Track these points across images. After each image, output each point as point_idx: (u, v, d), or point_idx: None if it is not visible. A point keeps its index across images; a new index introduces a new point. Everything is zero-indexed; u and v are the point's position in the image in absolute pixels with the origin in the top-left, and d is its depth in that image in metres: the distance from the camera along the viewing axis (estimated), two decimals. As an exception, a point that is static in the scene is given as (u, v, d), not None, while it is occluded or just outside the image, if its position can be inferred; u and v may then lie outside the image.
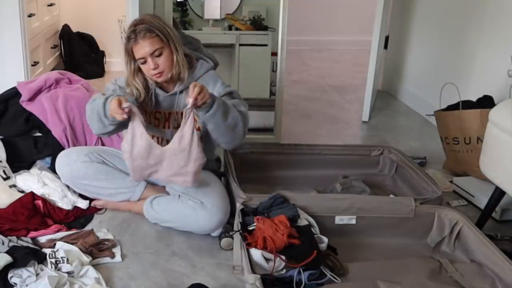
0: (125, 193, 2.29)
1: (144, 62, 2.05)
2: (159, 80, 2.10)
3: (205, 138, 2.19)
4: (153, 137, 2.18)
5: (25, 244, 1.99)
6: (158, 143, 2.21)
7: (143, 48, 2.02)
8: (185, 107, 1.99)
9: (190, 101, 1.90)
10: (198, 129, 2.14)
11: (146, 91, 2.14)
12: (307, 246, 1.84)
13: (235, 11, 3.58)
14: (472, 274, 1.92)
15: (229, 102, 2.08)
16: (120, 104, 1.96)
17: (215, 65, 2.27)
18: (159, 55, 2.04)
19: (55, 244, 1.99)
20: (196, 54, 2.24)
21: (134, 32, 2.02)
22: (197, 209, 2.11)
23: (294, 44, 4.70)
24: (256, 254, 1.82)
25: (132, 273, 1.94)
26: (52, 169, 2.43)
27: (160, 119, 2.21)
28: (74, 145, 2.59)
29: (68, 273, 1.84)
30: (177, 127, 2.12)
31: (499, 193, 2.19)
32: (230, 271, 1.88)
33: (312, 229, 1.98)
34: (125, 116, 1.96)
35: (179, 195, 2.19)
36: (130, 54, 2.07)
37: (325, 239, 1.96)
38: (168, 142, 2.16)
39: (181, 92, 2.16)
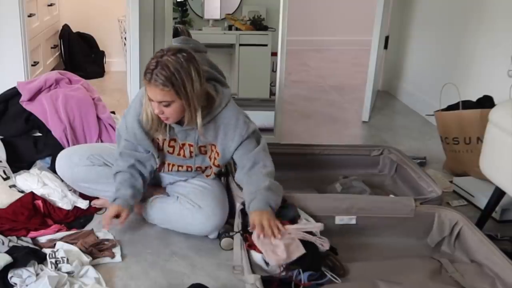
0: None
1: (151, 100, 1.96)
2: (165, 122, 2.03)
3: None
4: (166, 164, 2.20)
5: (25, 244, 1.99)
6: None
7: (153, 93, 1.91)
8: (201, 140, 2.06)
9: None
10: (218, 166, 2.17)
11: (158, 120, 2.04)
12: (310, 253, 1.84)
13: (235, 11, 3.58)
14: (472, 274, 1.92)
15: (258, 154, 2.07)
16: (115, 216, 2.07)
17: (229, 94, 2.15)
18: (167, 106, 1.93)
19: (55, 244, 1.99)
20: (211, 74, 2.10)
21: (151, 73, 1.88)
22: (194, 212, 2.11)
23: (294, 44, 4.69)
24: (257, 256, 1.82)
25: (132, 273, 1.94)
26: (52, 169, 2.43)
27: (174, 147, 2.16)
28: (74, 145, 2.58)
29: (68, 273, 1.84)
30: (189, 156, 2.14)
31: (499, 193, 2.19)
32: (230, 271, 1.88)
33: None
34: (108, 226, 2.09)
35: (178, 197, 2.19)
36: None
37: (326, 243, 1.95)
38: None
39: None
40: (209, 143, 2.12)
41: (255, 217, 1.89)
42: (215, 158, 2.15)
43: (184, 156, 2.16)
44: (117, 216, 2.09)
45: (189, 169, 2.21)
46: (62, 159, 2.32)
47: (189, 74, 1.89)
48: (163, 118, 2.00)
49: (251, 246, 1.85)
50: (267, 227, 1.84)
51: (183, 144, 2.14)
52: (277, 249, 1.79)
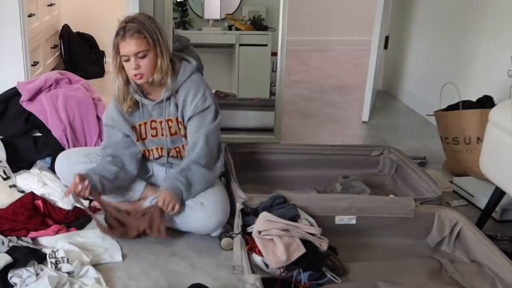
0: (125, 192, 2.28)
1: (127, 60, 2.06)
2: (138, 81, 2.10)
3: None
4: (152, 150, 2.24)
5: (25, 244, 1.99)
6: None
7: (128, 46, 2.03)
8: (173, 114, 2.11)
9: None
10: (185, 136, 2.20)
11: (126, 91, 2.14)
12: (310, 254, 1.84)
13: (235, 11, 3.58)
14: (472, 274, 1.92)
15: (198, 137, 2.14)
16: (80, 181, 2.05)
17: (199, 67, 2.25)
18: (143, 57, 2.04)
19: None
20: (179, 55, 2.24)
21: (124, 29, 2.03)
22: (196, 209, 2.11)
23: (294, 44, 4.69)
24: (257, 258, 1.82)
25: (132, 273, 1.94)
26: (52, 169, 2.43)
27: (157, 128, 2.21)
28: (74, 145, 2.59)
29: (68, 273, 1.84)
30: (172, 134, 2.19)
31: (499, 193, 2.19)
32: (230, 271, 1.88)
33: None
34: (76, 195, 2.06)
35: (179, 195, 2.20)
36: (116, 50, 2.07)
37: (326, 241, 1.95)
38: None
39: (167, 99, 2.15)
40: (173, 117, 2.18)
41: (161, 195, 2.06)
42: (179, 128, 2.20)
43: (166, 135, 2.21)
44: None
45: (169, 152, 2.24)
46: (60, 160, 2.34)
47: (155, 24, 2.07)
48: (138, 76, 2.06)
49: (251, 249, 1.85)
50: (166, 203, 2.03)
51: (161, 122, 2.19)
52: (277, 251, 1.79)
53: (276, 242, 1.82)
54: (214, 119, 2.17)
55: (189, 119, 2.16)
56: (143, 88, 2.17)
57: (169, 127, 2.19)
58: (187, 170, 2.12)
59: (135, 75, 2.07)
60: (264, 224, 1.89)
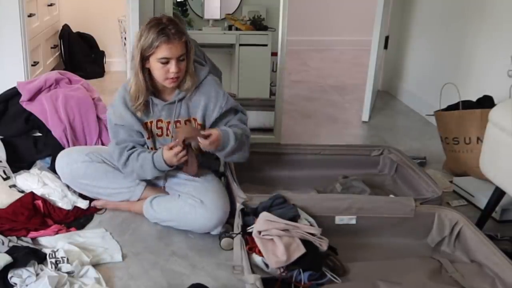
0: (125, 193, 2.29)
1: (165, 63, 2.03)
2: (171, 85, 2.09)
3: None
4: (155, 149, 2.22)
5: (25, 244, 1.99)
6: None
7: (174, 49, 2.00)
8: (183, 115, 2.13)
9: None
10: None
11: (145, 90, 2.11)
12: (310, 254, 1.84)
13: (235, 11, 3.58)
14: (472, 274, 1.92)
15: (233, 121, 2.17)
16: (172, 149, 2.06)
17: (210, 70, 2.25)
18: (183, 60, 2.05)
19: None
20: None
21: (165, 30, 1.99)
22: (196, 207, 2.11)
23: (294, 44, 4.70)
24: (257, 258, 1.82)
25: (132, 273, 1.94)
26: (52, 169, 2.43)
27: (162, 128, 2.20)
28: (74, 145, 2.59)
29: (68, 273, 1.84)
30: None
31: (499, 193, 2.19)
32: (230, 271, 1.88)
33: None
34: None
35: (179, 195, 2.20)
36: (146, 50, 2.02)
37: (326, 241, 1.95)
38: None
39: (179, 100, 2.15)
40: (191, 118, 2.18)
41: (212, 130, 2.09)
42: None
43: (167, 135, 2.20)
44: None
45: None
46: (61, 158, 2.33)
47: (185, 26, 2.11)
48: (174, 79, 2.06)
49: (251, 249, 1.85)
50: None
51: (168, 123, 2.18)
52: (277, 251, 1.79)
53: (276, 242, 1.82)
54: (241, 111, 2.24)
55: (216, 120, 2.18)
56: (157, 88, 2.16)
57: (177, 128, 2.18)
58: (242, 134, 2.15)
59: (172, 78, 2.05)
60: (264, 224, 1.89)
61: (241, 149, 2.16)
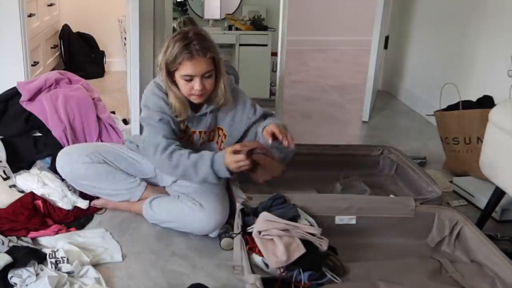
0: (125, 194, 2.28)
1: (190, 80, 1.97)
2: (196, 101, 2.04)
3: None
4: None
5: (25, 244, 1.99)
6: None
7: (198, 66, 1.94)
8: (210, 126, 2.13)
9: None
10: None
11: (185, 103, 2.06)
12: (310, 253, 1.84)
13: (235, 11, 3.59)
14: (472, 274, 1.92)
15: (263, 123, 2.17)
16: (237, 152, 1.91)
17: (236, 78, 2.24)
18: (209, 77, 1.97)
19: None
20: None
21: (189, 46, 1.91)
22: (195, 210, 2.11)
23: (294, 44, 4.70)
24: (257, 258, 1.82)
25: (132, 273, 1.94)
26: (52, 169, 2.43)
27: (186, 132, 2.16)
28: (74, 145, 2.59)
29: (68, 273, 1.84)
30: (201, 144, 2.17)
31: (499, 193, 2.19)
32: (230, 271, 1.88)
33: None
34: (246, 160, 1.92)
35: (179, 196, 2.20)
36: (170, 65, 1.97)
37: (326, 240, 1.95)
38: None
39: (210, 112, 2.12)
40: (216, 127, 2.17)
41: (271, 126, 2.05)
42: (222, 141, 2.18)
43: (192, 143, 2.16)
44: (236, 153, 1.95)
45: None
46: (62, 156, 2.32)
47: (213, 41, 1.99)
48: (199, 96, 2.00)
49: (251, 249, 1.85)
50: (281, 131, 2.02)
51: (193, 132, 2.16)
52: (277, 251, 1.79)
53: (276, 242, 1.82)
54: (270, 115, 2.24)
55: (246, 131, 2.18)
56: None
57: (201, 137, 2.17)
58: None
59: (197, 95, 2.00)
60: (264, 224, 1.89)
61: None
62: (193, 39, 1.94)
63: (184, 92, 2.03)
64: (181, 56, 1.93)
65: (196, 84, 1.97)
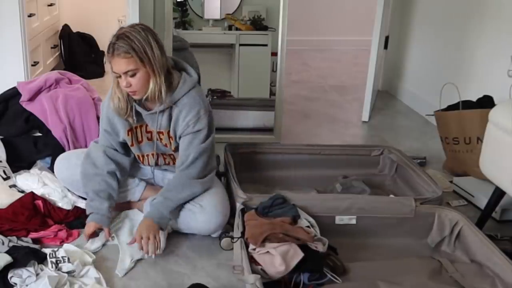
0: (125, 194, 2.28)
1: (119, 77, 2.01)
2: (134, 97, 2.06)
3: None
4: (148, 156, 2.22)
5: (25, 244, 1.99)
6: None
7: (117, 65, 1.97)
8: (165, 127, 2.09)
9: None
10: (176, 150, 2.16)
11: (128, 102, 2.09)
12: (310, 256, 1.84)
13: (235, 11, 3.58)
14: (472, 274, 1.92)
15: (190, 149, 2.10)
16: (92, 233, 2.07)
17: (199, 80, 2.19)
18: (133, 76, 1.98)
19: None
20: (180, 64, 2.16)
21: (113, 46, 1.96)
22: (196, 212, 2.11)
23: (294, 44, 4.70)
24: (257, 268, 1.82)
25: (132, 273, 1.94)
26: (52, 169, 2.43)
27: (152, 132, 2.16)
28: (74, 145, 2.59)
29: (69, 272, 1.84)
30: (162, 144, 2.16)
31: (499, 193, 2.19)
32: (230, 271, 1.88)
33: (313, 229, 1.98)
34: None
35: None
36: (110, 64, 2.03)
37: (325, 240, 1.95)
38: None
39: (161, 111, 2.09)
40: (164, 130, 2.14)
41: (139, 227, 2.04)
42: (170, 143, 2.16)
43: (149, 140, 2.18)
44: (94, 233, 2.09)
45: (158, 157, 2.23)
46: (60, 161, 2.33)
47: (147, 41, 1.97)
48: (132, 93, 2.02)
49: (250, 258, 1.84)
50: (145, 241, 1.99)
51: (149, 132, 2.16)
52: (274, 261, 1.79)
53: (272, 253, 1.80)
54: (205, 139, 2.10)
55: (180, 137, 2.12)
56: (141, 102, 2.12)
57: (160, 139, 2.16)
58: (171, 189, 2.11)
59: (129, 91, 2.03)
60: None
61: (191, 191, 2.12)
62: (120, 38, 1.96)
63: (123, 90, 2.06)
64: (108, 54, 2.00)
65: (122, 81, 2.01)
